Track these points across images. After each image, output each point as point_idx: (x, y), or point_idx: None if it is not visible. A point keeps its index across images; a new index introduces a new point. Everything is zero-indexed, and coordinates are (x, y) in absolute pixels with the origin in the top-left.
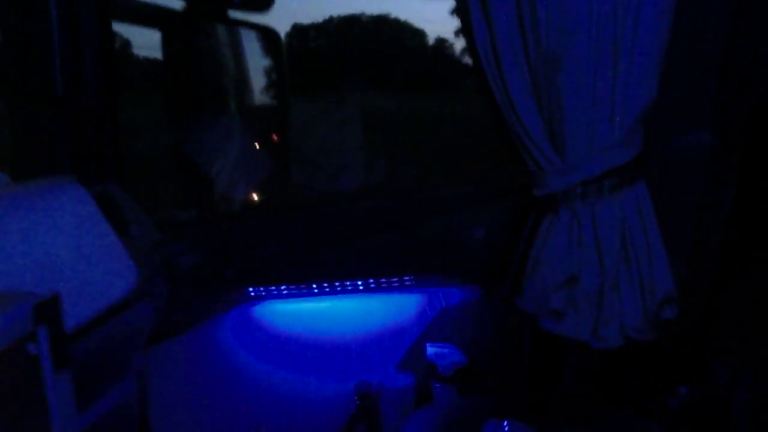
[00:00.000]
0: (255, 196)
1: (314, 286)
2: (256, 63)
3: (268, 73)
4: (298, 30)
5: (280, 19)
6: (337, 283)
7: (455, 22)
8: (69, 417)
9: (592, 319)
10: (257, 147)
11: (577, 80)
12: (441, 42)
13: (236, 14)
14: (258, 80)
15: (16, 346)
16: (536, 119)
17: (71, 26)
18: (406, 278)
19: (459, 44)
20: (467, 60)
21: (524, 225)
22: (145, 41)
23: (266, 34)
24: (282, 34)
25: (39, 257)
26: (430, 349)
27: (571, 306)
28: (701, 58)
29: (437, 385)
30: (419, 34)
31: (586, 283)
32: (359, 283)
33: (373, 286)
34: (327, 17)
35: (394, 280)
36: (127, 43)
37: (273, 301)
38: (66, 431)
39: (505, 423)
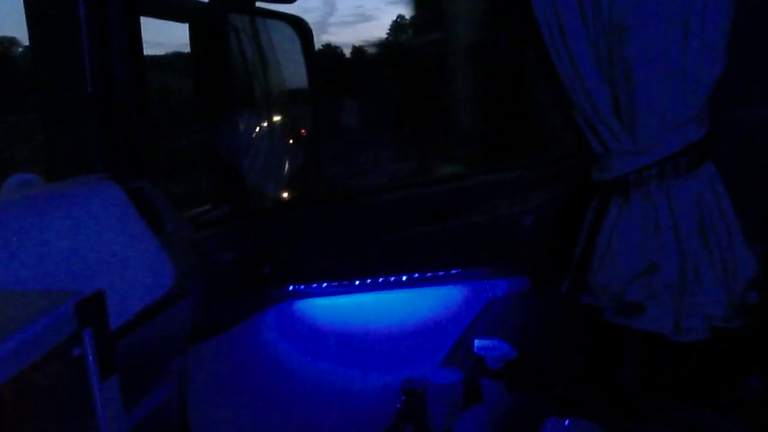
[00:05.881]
0: (286, 192)
1: (356, 281)
2: (286, 56)
3: (297, 65)
4: None
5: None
6: (380, 278)
7: None
8: (117, 425)
9: (674, 309)
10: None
11: (647, 51)
12: None
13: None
14: (287, 73)
15: (59, 350)
16: (605, 95)
17: (99, 22)
18: (452, 271)
19: None
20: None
21: (577, 212)
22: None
23: (296, 25)
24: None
25: (73, 258)
26: (478, 342)
27: (650, 297)
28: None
29: (486, 381)
30: None
31: (666, 270)
32: (403, 277)
33: (417, 279)
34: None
35: (440, 273)
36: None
37: (315, 297)
38: None
39: (567, 421)
